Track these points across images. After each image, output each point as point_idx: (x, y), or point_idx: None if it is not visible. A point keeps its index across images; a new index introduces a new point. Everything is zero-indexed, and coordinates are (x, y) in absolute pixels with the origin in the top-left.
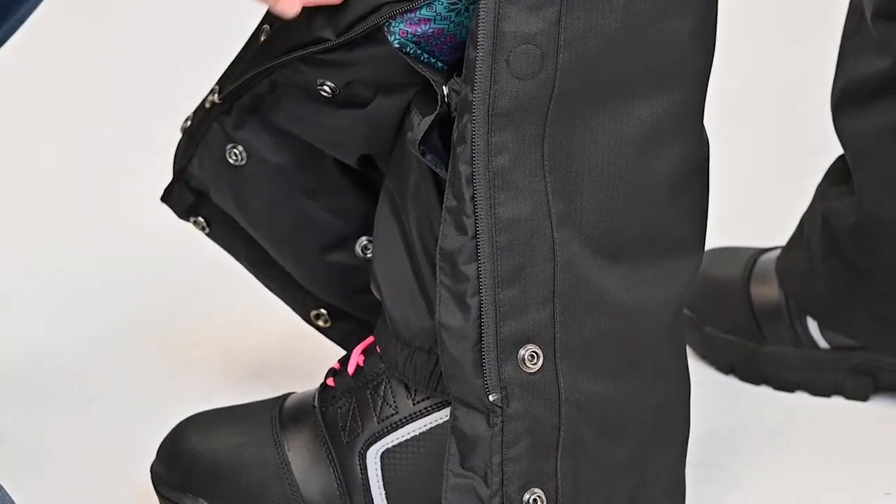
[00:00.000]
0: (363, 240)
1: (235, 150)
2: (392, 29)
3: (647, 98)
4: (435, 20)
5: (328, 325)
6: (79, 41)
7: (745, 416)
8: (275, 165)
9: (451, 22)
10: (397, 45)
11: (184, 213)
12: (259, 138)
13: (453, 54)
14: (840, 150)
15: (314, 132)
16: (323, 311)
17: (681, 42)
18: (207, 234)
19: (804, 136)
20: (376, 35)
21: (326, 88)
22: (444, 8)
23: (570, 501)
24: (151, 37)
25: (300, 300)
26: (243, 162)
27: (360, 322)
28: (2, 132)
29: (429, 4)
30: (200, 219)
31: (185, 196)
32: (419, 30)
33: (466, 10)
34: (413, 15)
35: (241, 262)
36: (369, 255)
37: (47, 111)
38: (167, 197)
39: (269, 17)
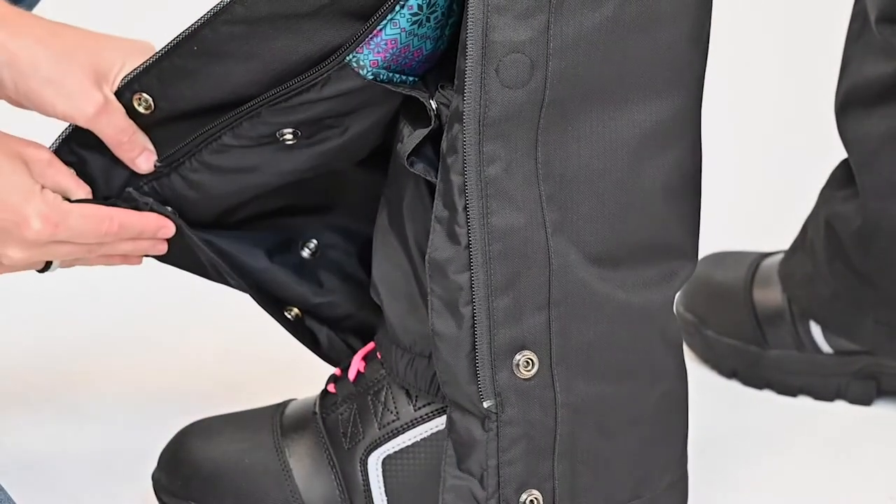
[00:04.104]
0: (312, 243)
1: (171, 211)
2: (362, 63)
3: (641, 103)
4: (401, 38)
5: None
6: None
7: (747, 421)
8: (215, 197)
9: (415, 36)
10: (371, 77)
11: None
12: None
13: (422, 67)
14: (844, 154)
15: (274, 179)
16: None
17: (675, 46)
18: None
19: (808, 139)
20: (340, 73)
21: (288, 136)
22: (408, 21)
23: (568, 501)
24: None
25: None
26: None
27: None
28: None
29: (392, 21)
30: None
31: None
32: (388, 55)
33: (428, 20)
34: (379, 39)
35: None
36: (314, 255)
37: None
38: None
39: (147, 87)
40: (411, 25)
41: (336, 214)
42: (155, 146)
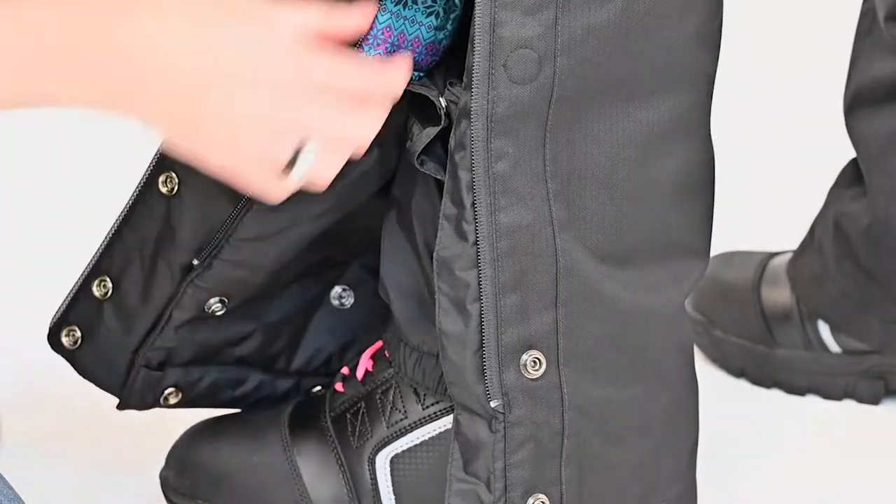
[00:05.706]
0: (337, 290)
1: (215, 301)
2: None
3: (649, 101)
4: (393, 23)
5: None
6: None
7: (755, 420)
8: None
9: (404, 19)
10: None
11: (152, 400)
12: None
13: (425, 60)
14: (852, 153)
15: (312, 226)
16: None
17: (684, 44)
18: (178, 404)
19: (816, 138)
20: None
21: None
22: (391, 1)
23: None
24: None
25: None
26: (224, 310)
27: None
28: (2, 130)
29: (382, 6)
30: (172, 389)
31: (150, 379)
32: (388, 45)
33: (415, 1)
34: (376, 31)
35: (219, 405)
36: (346, 304)
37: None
38: (127, 400)
39: (173, 164)
40: (395, 6)
41: (369, 254)
42: (184, 239)
